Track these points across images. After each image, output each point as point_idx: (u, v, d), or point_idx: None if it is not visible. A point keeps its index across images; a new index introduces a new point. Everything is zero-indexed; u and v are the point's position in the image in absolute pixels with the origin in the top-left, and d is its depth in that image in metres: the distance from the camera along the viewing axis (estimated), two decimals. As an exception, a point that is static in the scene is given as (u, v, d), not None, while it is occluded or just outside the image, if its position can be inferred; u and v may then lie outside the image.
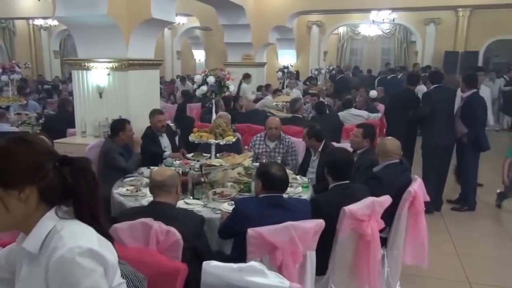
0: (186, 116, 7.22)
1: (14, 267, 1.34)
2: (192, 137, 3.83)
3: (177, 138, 5.15)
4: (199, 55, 18.69)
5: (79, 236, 1.18)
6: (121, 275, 1.37)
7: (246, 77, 9.02)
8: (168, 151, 4.80)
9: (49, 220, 1.21)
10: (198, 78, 3.98)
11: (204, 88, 3.88)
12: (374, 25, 15.50)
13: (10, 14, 12.85)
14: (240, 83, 8.70)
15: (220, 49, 18.16)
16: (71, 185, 1.23)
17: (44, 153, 1.23)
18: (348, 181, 2.90)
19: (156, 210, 2.51)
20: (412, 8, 11.47)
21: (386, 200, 2.77)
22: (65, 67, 18.13)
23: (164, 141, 4.90)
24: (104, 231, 1.29)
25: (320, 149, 4.19)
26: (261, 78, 10.58)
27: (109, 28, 4.95)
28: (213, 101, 4.28)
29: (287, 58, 13.19)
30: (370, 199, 2.70)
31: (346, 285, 2.79)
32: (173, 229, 2.29)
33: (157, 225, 2.29)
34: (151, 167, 4.11)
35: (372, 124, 4.43)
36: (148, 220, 2.31)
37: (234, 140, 3.83)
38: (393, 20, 13.14)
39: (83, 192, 1.24)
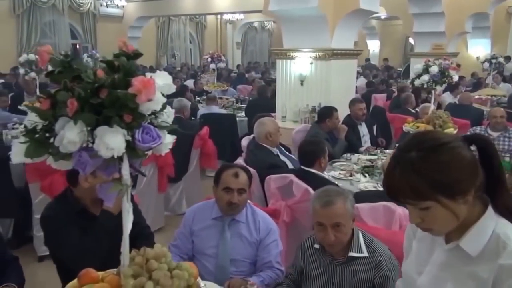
0: (375, 106, 7.17)
1: None
2: (406, 127, 3.80)
3: (374, 128, 5.17)
4: (373, 45, 18.38)
5: None
6: None
7: None
8: (367, 140, 4.88)
9: (490, 220, 1.11)
10: (418, 67, 3.91)
11: (425, 77, 3.80)
12: None
13: (205, 11, 14.53)
14: None
15: (397, 39, 17.43)
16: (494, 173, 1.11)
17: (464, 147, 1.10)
18: None
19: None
20: None
21: None
22: (245, 57, 19.66)
23: (363, 129, 4.96)
24: None
25: None
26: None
27: (316, 19, 5.18)
28: (431, 92, 4.17)
29: (479, 48, 11.98)
30: None
31: None
32: (415, 216, 2.33)
33: (401, 210, 2.35)
34: (355, 154, 4.26)
35: None
36: (391, 204, 2.40)
37: (455, 132, 3.68)
38: None
39: (503, 179, 1.10)
